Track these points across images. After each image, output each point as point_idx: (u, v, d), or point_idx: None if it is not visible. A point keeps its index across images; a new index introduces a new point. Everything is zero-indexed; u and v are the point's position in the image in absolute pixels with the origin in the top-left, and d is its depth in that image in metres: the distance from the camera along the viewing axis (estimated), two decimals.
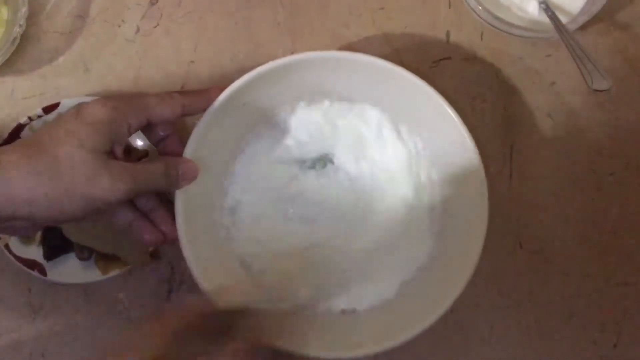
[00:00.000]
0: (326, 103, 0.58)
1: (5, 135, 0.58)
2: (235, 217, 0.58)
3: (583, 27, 0.58)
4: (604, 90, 0.52)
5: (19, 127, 0.58)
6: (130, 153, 0.59)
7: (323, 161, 0.59)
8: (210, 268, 0.53)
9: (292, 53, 0.61)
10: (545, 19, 0.58)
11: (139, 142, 0.59)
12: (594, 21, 0.58)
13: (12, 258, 0.56)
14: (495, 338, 0.59)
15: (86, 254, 0.57)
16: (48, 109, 0.59)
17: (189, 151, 0.52)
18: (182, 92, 0.51)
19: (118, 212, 0.50)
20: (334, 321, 0.56)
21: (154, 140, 0.52)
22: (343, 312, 0.56)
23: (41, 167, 0.41)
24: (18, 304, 0.59)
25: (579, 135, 0.61)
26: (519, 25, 0.58)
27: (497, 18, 0.58)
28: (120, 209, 0.50)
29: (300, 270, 0.57)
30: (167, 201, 0.52)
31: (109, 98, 0.46)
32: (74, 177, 0.42)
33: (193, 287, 0.58)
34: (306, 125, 0.58)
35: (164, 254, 0.59)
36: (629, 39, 0.61)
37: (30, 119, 0.58)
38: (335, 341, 0.54)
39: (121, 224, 0.50)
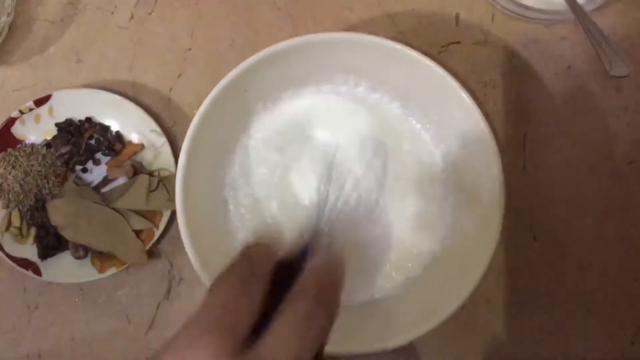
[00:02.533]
0: (329, 88, 0.56)
1: None
2: (237, 206, 0.56)
3: (600, 8, 0.55)
4: (624, 76, 0.49)
5: (11, 121, 0.56)
6: (125, 149, 0.56)
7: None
8: (211, 261, 0.51)
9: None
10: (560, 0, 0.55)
11: (134, 136, 0.57)
12: (611, 1, 0.55)
13: (5, 258, 0.55)
14: (507, 335, 0.56)
15: (82, 252, 0.55)
16: (40, 102, 0.56)
17: (188, 141, 0.51)
18: None
19: None
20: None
21: None
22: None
23: None
24: (13, 304, 0.57)
25: (596, 122, 0.58)
26: (532, 7, 0.56)
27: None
28: None
29: None
30: None
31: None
32: None
33: (192, 284, 0.56)
34: (310, 111, 0.57)
35: (162, 251, 0.57)
36: None
37: (21, 112, 0.56)
38: (336, 337, 0.52)
39: None
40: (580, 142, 0.58)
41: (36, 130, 0.57)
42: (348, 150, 0.56)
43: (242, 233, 0.56)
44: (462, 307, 0.49)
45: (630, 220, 0.57)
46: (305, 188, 0.56)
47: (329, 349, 0.49)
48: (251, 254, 0.34)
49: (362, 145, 0.56)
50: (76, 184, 0.56)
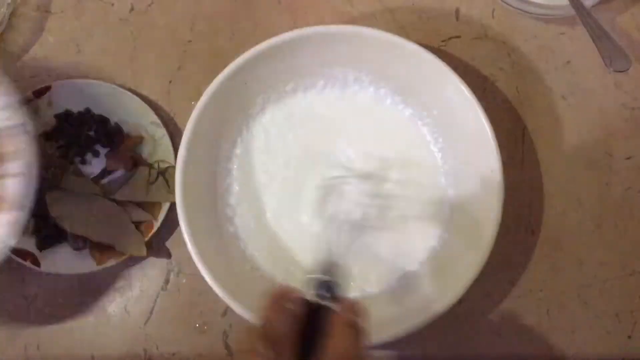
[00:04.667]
0: (329, 82, 0.57)
1: None
2: (237, 198, 0.56)
3: (600, 4, 0.56)
4: (623, 71, 0.50)
5: None
6: (124, 141, 0.57)
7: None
8: (210, 254, 0.52)
9: None
10: None
11: (134, 127, 0.57)
12: None
13: None
14: (505, 328, 0.57)
15: (81, 244, 0.55)
16: (39, 93, 0.56)
17: (188, 133, 0.51)
18: None
19: None
20: None
21: None
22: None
23: None
24: (12, 295, 0.57)
25: (595, 117, 0.58)
26: (532, 2, 0.56)
27: None
28: None
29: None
30: None
31: None
32: None
33: (191, 276, 0.56)
34: (312, 105, 0.57)
35: (161, 243, 0.57)
36: None
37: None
38: None
39: None
40: (578, 137, 0.58)
41: (35, 122, 0.57)
42: (349, 154, 0.56)
43: (241, 226, 0.56)
44: (460, 301, 0.50)
45: (627, 215, 0.57)
46: (306, 180, 0.56)
47: None
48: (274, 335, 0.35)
49: (363, 147, 0.56)
50: (75, 175, 0.56)
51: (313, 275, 0.41)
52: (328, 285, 0.40)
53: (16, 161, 0.45)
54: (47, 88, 0.56)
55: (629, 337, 0.56)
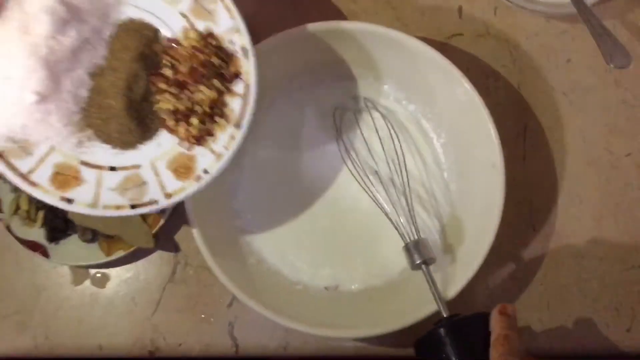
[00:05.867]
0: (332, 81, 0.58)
1: None
2: (245, 191, 0.58)
3: (601, 2, 0.57)
4: (624, 68, 0.50)
5: None
6: None
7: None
8: (218, 246, 0.53)
9: None
10: None
11: None
12: None
13: (14, 240, 0.56)
14: None
15: (89, 235, 0.56)
16: None
17: None
18: None
19: None
20: (324, 298, 0.56)
21: None
22: (327, 289, 0.57)
23: None
24: (21, 286, 0.59)
25: (595, 115, 0.60)
26: (534, 0, 0.57)
27: None
28: None
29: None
30: None
31: None
32: None
33: (198, 268, 0.58)
34: (316, 105, 0.58)
35: (168, 235, 0.58)
36: None
37: None
38: (336, 318, 0.54)
39: None
40: (579, 134, 0.59)
41: None
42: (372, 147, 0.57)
43: (248, 220, 0.57)
44: (462, 295, 0.51)
45: (627, 211, 0.59)
46: (315, 174, 0.58)
47: (331, 334, 0.51)
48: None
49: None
50: None
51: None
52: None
53: (240, 82, 0.47)
54: None
55: (628, 330, 0.57)
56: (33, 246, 0.56)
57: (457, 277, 0.51)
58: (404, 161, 0.55)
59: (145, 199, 0.46)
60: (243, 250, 0.56)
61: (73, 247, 0.57)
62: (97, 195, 0.46)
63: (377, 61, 0.56)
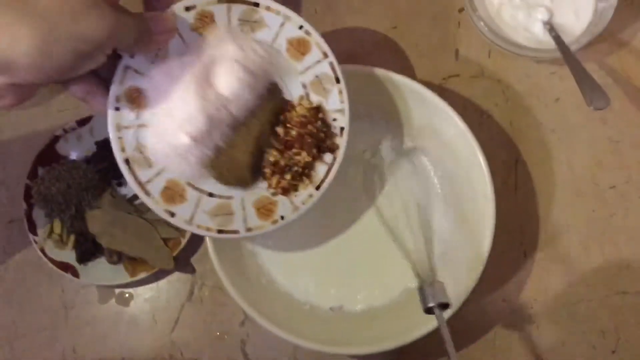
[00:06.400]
0: None
1: (42, 146, 0.62)
2: None
3: (587, 47, 0.61)
4: (602, 109, 0.54)
5: (55, 139, 0.63)
6: None
7: None
8: (234, 268, 0.56)
9: None
10: (550, 39, 0.60)
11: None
12: (598, 40, 0.61)
13: (47, 261, 0.61)
14: (498, 341, 0.61)
15: (116, 258, 0.61)
16: (82, 122, 0.63)
17: None
18: None
19: (82, 78, 0.45)
20: (330, 318, 0.60)
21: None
22: (332, 309, 0.60)
23: (23, 6, 0.37)
24: (52, 304, 0.63)
25: (582, 150, 0.64)
26: (525, 46, 0.61)
27: (503, 38, 0.61)
28: (85, 75, 0.43)
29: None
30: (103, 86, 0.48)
31: None
32: (59, 14, 0.38)
33: (213, 288, 0.62)
34: None
35: (187, 258, 0.63)
36: (631, 57, 0.64)
37: (65, 131, 0.63)
38: (342, 336, 0.57)
39: (79, 94, 0.46)
40: (567, 168, 0.63)
41: (78, 148, 0.63)
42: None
43: (260, 244, 0.61)
44: (457, 317, 0.54)
45: (612, 239, 0.62)
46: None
47: (337, 350, 0.55)
48: None
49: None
50: (112, 196, 0.62)
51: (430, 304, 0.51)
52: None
53: (333, 152, 0.52)
54: (89, 118, 0.63)
55: (613, 352, 0.60)
56: (64, 267, 0.61)
57: (453, 298, 0.53)
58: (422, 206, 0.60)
59: (230, 227, 0.50)
60: (255, 272, 0.60)
61: (100, 268, 0.61)
62: (193, 214, 0.50)
63: (378, 101, 0.59)
